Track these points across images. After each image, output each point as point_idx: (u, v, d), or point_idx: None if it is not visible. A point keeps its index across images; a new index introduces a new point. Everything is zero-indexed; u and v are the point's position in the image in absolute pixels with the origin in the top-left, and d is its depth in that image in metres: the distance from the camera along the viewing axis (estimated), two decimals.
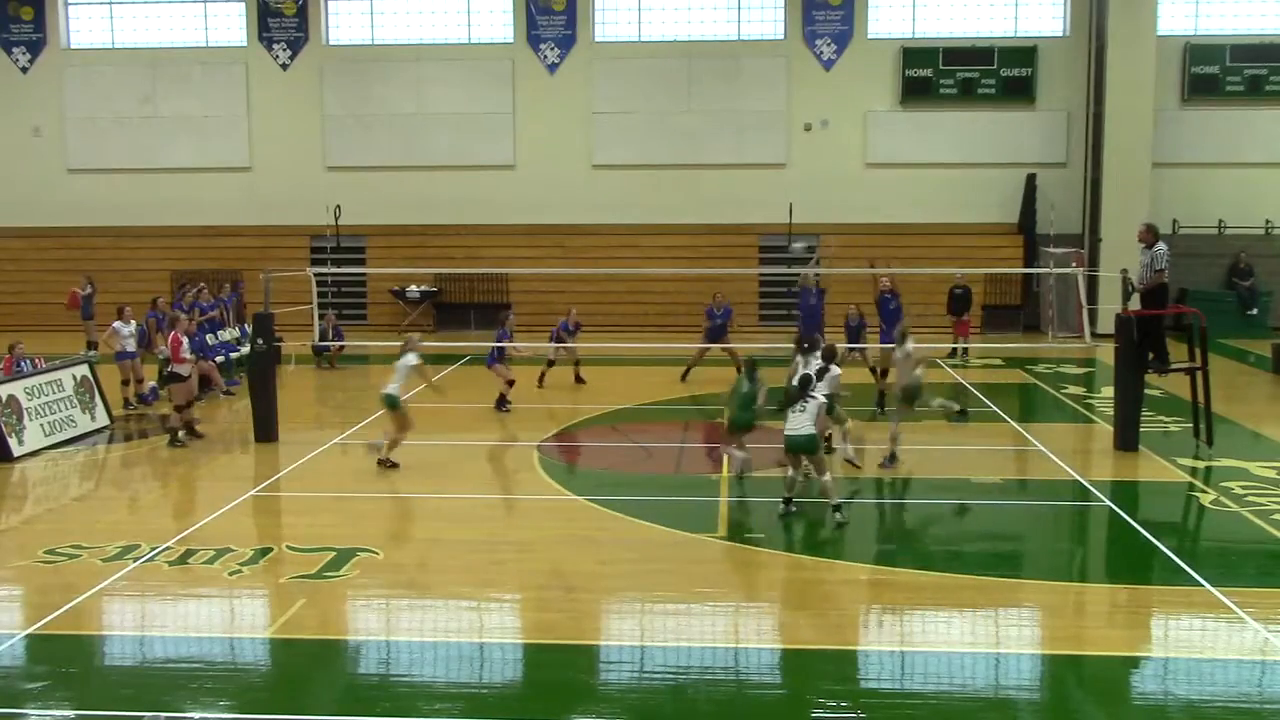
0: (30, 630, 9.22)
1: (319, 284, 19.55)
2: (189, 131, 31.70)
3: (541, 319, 29.14)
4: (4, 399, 15.57)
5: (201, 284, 22.95)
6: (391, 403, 14.76)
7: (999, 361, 24.40)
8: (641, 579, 10.29)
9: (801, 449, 12.26)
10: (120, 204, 31.54)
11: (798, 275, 28.32)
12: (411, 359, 14.97)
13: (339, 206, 30.54)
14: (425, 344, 16.78)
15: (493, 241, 30.49)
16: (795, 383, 12.62)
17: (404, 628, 9.47)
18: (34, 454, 15.63)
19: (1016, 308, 29.79)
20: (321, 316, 20.08)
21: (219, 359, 20.87)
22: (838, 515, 11.97)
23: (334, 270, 28.95)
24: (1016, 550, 11.83)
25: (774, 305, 29.76)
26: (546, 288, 29.61)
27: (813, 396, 12.28)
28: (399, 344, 15.40)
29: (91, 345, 24.06)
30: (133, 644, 9.28)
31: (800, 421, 12.13)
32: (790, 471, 12.47)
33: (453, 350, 25.09)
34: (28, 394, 16.06)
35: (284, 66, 31.56)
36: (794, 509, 12.36)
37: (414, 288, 30.42)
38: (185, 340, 16.63)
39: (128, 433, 17.53)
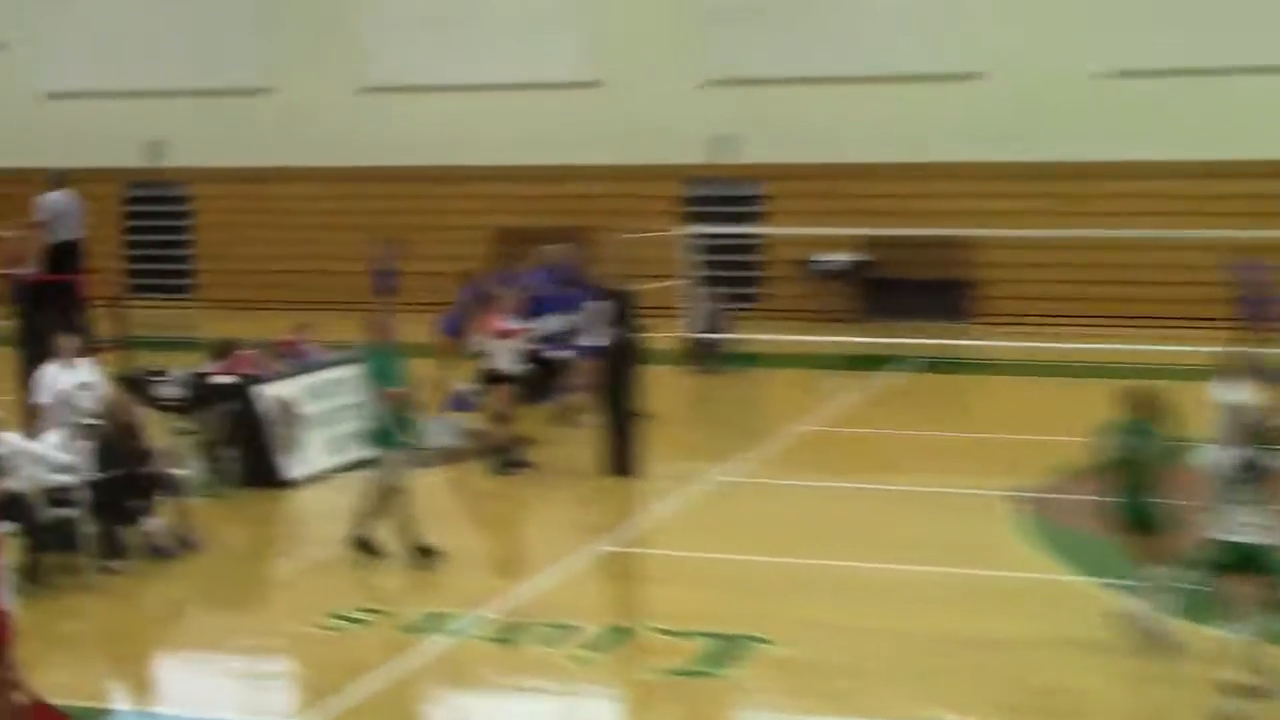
0: None
1: (694, 249, 19.92)
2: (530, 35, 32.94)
3: (1029, 305, 28.55)
4: (283, 401, 16.63)
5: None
6: None
7: None
8: (1184, 711, 9.81)
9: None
10: (424, 138, 33.06)
11: None
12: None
13: (722, 138, 31.11)
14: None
15: (940, 188, 30.15)
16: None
17: None
18: (311, 479, 16.64)
19: None
20: (705, 297, 20.27)
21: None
22: None
23: (717, 230, 29.13)
24: None
25: None
26: (1032, 259, 28.92)
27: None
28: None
29: None
30: None
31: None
32: None
33: (884, 350, 25.07)
34: (310, 396, 17.20)
35: None
36: None
37: (831, 255, 30.34)
38: (510, 324, 17.37)
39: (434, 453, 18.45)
